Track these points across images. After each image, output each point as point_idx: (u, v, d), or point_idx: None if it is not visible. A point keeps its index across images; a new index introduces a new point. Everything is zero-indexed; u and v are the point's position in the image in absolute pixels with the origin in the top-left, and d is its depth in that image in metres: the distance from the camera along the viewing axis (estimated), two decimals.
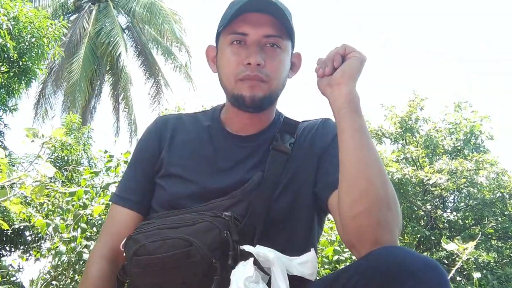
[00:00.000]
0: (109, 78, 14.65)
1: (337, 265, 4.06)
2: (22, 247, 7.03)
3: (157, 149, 1.14)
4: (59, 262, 3.39)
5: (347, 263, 4.04)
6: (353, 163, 0.90)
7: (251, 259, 0.86)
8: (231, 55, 1.05)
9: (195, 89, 14.43)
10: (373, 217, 0.84)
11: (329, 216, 1.07)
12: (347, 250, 4.19)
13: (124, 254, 0.98)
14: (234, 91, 1.05)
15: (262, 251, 0.86)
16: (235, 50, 1.05)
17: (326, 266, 4.10)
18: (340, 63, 0.99)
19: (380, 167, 0.90)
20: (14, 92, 6.54)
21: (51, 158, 7.15)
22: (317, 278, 0.93)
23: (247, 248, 0.88)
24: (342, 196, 0.90)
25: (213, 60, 1.15)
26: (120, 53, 12.57)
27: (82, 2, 14.12)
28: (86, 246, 3.31)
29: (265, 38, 1.04)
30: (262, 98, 1.04)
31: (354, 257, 4.11)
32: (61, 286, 3.49)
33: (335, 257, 4.03)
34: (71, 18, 13.56)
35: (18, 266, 5.87)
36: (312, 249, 0.92)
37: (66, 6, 13.54)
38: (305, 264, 0.87)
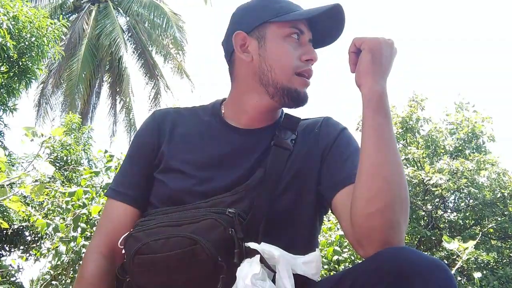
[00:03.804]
0: (109, 79, 14.63)
1: (336, 266, 4.06)
2: (22, 247, 7.02)
3: (156, 143, 1.11)
4: (59, 262, 3.39)
5: (347, 263, 4.04)
6: (371, 162, 0.89)
7: (258, 256, 0.84)
8: (290, 48, 1.06)
9: (193, 90, 14.44)
10: (386, 218, 0.84)
11: (330, 216, 1.06)
12: (346, 250, 4.19)
13: (123, 252, 0.95)
14: (288, 83, 1.05)
15: (267, 249, 0.85)
16: (294, 45, 1.07)
17: (326, 267, 4.09)
18: (356, 61, 1.00)
19: (399, 168, 0.89)
20: (14, 92, 6.52)
21: (51, 158, 7.14)
22: (319, 278, 0.92)
23: (252, 245, 0.87)
24: (357, 193, 0.88)
25: (241, 47, 1.10)
26: (120, 54, 12.53)
27: (82, 2, 14.10)
28: (84, 246, 3.29)
29: (309, 42, 1.09)
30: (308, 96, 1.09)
31: (353, 258, 4.15)
32: (61, 286, 3.49)
33: (335, 257, 4.03)
34: (70, 18, 13.53)
35: (18, 266, 5.86)
36: (317, 249, 0.91)
37: (65, 7, 13.51)
38: (310, 264, 0.86)
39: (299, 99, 1.06)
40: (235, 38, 1.09)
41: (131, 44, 14.47)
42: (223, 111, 1.15)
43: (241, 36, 1.09)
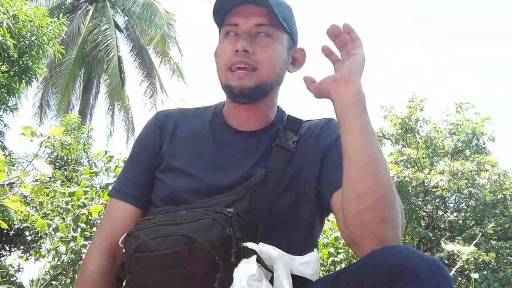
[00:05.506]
0: (106, 79, 14.62)
1: (332, 267, 4.07)
2: (22, 247, 7.03)
3: (158, 143, 1.12)
4: (59, 262, 3.39)
5: (342, 265, 4.05)
6: (360, 160, 0.88)
7: (254, 256, 0.85)
8: (224, 47, 1.06)
9: (187, 90, 14.50)
10: (378, 214, 0.84)
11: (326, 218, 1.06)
12: (341, 251, 4.21)
13: (124, 251, 0.96)
14: (225, 82, 1.05)
15: (265, 249, 0.85)
16: (228, 42, 1.05)
17: (322, 268, 4.11)
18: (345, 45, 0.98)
19: (386, 165, 0.90)
20: (15, 91, 6.52)
21: (51, 158, 7.15)
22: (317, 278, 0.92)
23: (250, 245, 0.87)
24: (347, 192, 0.89)
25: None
26: (114, 53, 12.54)
27: (80, 2, 14.11)
28: (84, 246, 3.30)
29: (256, 27, 1.03)
30: (253, 88, 1.02)
31: (350, 258, 4.15)
32: (61, 286, 3.49)
33: (330, 259, 4.04)
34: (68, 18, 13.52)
35: (18, 266, 5.87)
36: (315, 249, 0.91)
37: (63, 7, 13.51)
38: (308, 264, 0.86)
39: (234, 94, 1.03)
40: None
41: (128, 43, 14.50)
42: (224, 112, 1.16)
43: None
